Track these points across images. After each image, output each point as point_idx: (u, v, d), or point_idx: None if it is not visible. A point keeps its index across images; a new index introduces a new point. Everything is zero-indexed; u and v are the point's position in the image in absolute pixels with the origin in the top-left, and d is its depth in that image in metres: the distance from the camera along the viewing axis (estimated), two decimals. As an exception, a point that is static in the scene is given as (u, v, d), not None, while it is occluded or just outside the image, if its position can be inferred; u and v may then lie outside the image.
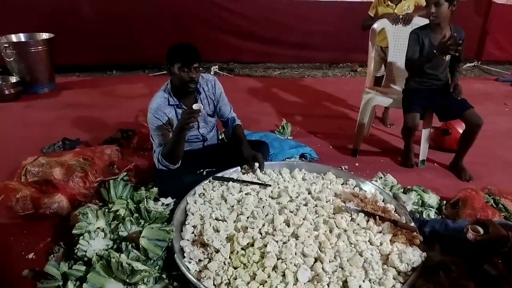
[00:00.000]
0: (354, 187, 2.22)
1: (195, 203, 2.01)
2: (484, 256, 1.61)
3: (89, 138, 3.12)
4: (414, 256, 1.59)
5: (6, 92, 3.92)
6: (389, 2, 3.13)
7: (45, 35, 4.24)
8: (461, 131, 2.71)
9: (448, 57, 2.56)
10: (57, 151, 2.82)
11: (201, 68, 2.15)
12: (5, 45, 3.92)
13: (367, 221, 1.83)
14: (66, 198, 2.13)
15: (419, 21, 2.85)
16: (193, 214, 1.93)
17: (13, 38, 4.18)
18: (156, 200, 2.09)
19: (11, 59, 3.99)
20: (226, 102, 2.44)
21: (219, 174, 2.22)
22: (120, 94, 4.25)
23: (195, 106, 2.00)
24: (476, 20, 5.54)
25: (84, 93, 4.29)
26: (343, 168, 2.67)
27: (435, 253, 1.70)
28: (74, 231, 1.80)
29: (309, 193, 2.06)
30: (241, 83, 4.68)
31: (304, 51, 5.51)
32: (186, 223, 1.87)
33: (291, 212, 1.85)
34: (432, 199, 2.23)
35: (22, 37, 4.24)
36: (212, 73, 5.09)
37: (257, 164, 2.21)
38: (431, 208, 2.18)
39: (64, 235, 1.95)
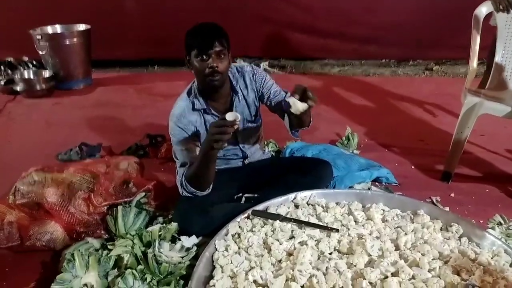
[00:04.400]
0: (460, 236, 1.49)
1: (226, 250, 1.40)
2: None
3: (113, 143, 2.64)
4: None
5: (38, 87, 3.60)
6: None
7: (81, 27, 3.88)
8: None
9: None
10: (73, 159, 2.38)
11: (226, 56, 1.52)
12: (38, 37, 3.60)
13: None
14: (62, 228, 1.62)
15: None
16: (221, 268, 1.33)
17: (49, 29, 3.86)
18: (174, 240, 1.51)
19: (44, 52, 3.66)
20: (276, 88, 1.75)
21: (261, 206, 1.60)
22: (157, 92, 3.77)
23: (229, 116, 1.34)
24: None
25: (119, 90, 3.88)
26: (435, 201, 1.93)
27: None
28: (53, 286, 1.27)
29: (397, 248, 1.36)
30: (294, 82, 3.94)
31: (369, 46, 4.70)
32: (211, 283, 1.27)
33: (372, 285, 1.17)
34: None
35: (58, 28, 3.92)
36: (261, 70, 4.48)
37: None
38: None
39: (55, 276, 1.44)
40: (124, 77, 4.40)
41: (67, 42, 3.71)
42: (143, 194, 1.81)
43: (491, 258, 1.35)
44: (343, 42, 4.69)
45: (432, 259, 1.27)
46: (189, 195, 1.61)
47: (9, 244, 1.59)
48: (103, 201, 1.71)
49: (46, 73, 3.74)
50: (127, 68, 4.66)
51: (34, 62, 3.94)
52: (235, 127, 1.32)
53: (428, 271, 1.22)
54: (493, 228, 1.63)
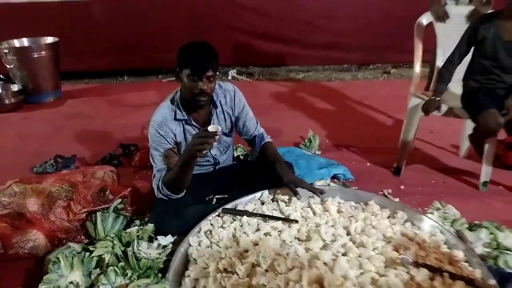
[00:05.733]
0: (405, 221, 1.71)
1: (199, 245, 1.56)
2: None
3: (87, 154, 2.74)
4: None
5: (6, 101, 3.62)
6: None
7: (49, 39, 3.93)
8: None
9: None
10: (48, 172, 2.46)
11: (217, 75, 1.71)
12: (5, 51, 3.62)
13: (431, 279, 1.33)
14: (44, 235, 1.73)
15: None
16: (196, 261, 1.49)
17: (16, 43, 3.89)
18: (151, 239, 1.65)
19: (12, 65, 3.69)
20: (251, 117, 1.97)
21: (231, 205, 1.77)
22: (128, 103, 3.87)
23: (211, 128, 1.51)
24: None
25: (90, 102, 3.94)
26: (387, 193, 2.17)
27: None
28: (41, 286, 1.39)
29: (348, 233, 1.57)
30: (261, 88, 4.23)
31: (331, 52, 4.98)
32: (186, 274, 1.43)
33: (326, 265, 1.37)
34: (510, 239, 1.69)
35: (25, 41, 3.94)
36: (229, 77, 4.67)
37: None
38: (508, 252, 1.64)
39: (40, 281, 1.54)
40: (94, 89, 4.46)
41: (35, 55, 3.75)
42: (120, 200, 1.93)
43: (429, 237, 1.58)
44: (306, 49, 4.94)
45: (377, 239, 1.48)
46: (164, 197, 1.76)
47: (-8, 253, 1.67)
48: (82, 208, 1.82)
49: (15, 87, 3.77)
50: (96, 79, 4.72)
51: (1, 76, 3.95)
52: (216, 137, 1.49)
53: (373, 250, 1.43)
54: (432, 213, 1.87)
